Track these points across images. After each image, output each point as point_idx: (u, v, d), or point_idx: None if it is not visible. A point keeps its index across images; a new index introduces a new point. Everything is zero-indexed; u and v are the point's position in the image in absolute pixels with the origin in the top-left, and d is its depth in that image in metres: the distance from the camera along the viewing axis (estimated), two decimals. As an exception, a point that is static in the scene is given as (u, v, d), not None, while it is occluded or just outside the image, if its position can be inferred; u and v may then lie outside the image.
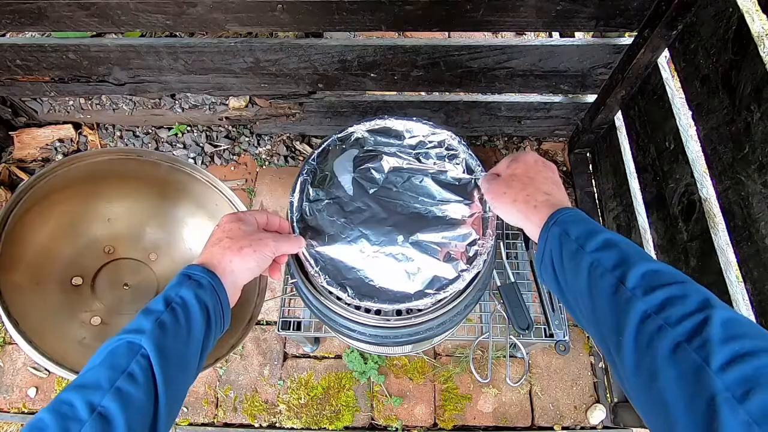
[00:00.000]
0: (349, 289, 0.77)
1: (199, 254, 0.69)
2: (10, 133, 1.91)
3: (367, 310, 0.80)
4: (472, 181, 0.85)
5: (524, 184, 0.70)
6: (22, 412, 1.54)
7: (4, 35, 1.66)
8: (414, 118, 0.91)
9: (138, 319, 0.58)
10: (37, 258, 1.04)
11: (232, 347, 1.10)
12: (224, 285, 0.65)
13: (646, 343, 0.46)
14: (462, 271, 0.78)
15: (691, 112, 1.10)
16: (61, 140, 1.92)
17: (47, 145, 1.91)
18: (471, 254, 0.79)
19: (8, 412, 1.54)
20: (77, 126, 1.94)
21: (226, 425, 1.51)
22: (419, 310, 0.80)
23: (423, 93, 1.78)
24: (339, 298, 0.79)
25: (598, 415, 1.47)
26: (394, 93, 1.75)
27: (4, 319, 0.86)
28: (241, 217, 0.73)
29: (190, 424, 1.50)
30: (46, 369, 1.42)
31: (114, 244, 1.17)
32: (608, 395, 1.50)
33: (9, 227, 0.93)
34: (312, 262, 0.79)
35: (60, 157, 1.91)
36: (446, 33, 2.01)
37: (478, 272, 0.80)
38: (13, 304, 0.90)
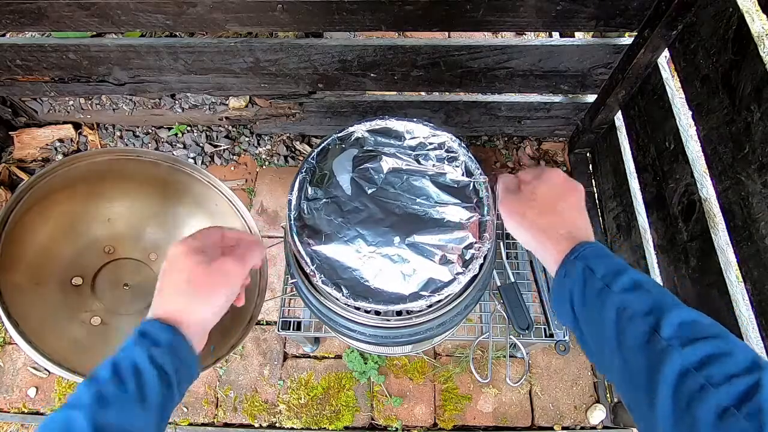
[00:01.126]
0: (344, 289, 0.77)
1: (155, 298, 0.61)
2: (10, 133, 1.91)
3: (367, 311, 0.80)
4: (471, 184, 0.85)
5: (545, 208, 0.65)
6: (22, 412, 1.54)
7: (4, 35, 1.66)
8: (415, 119, 0.91)
9: (80, 388, 0.53)
10: (37, 258, 1.04)
11: (232, 347, 1.10)
12: (189, 337, 0.59)
13: (685, 403, 0.42)
14: (458, 274, 0.78)
15: (691, 112, 1.10)
16: (61, 140, 1.92)
17: (47, 145, 1.91)
18: (467, 257, 0.79)
19: (8, 412, 1.54)
20: (77, 126, 1.94)
21: (226, 425, 1.51)
22: (417, 311, 0.80)
23: (423, 93, 1.78)
24: (337, 298, 0.79)
25: (598, 415, 1.47)
26: (394, 93, 1.75)
27: (4, 319, 0.86)
28: (195, 247, 0.63)
29: (190, 424, 1.51)
30: (46, 369, 1.42)
31: (114, 244, 1.17)
32: (608, 395, 1.50)
33: (9, 227, 0.93)
34: (308, 260, 0.79)
35: (60, 157, 1.91)
36: (446, 33, 2.01)
37: (474, 275, 0.80)
38: (13, 304, 0.90)
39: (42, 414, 1.53)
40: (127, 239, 1.19)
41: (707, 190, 1.07)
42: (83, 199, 1.11)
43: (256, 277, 1.22)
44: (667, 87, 1.23)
